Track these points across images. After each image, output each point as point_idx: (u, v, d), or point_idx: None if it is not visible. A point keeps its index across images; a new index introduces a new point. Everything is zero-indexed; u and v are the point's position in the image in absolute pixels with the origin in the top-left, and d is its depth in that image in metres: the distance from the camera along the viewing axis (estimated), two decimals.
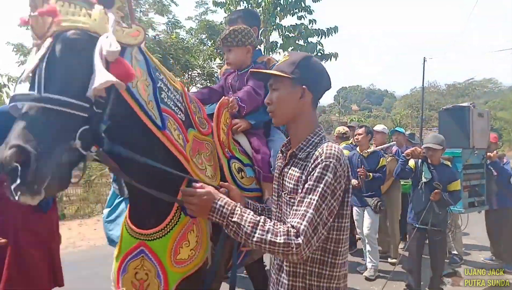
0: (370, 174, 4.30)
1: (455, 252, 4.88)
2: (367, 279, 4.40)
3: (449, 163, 3.65)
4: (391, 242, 4.95)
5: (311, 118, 1.42)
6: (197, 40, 13.20)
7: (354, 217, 4.57)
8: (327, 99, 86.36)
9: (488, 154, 4.29)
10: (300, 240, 1.16)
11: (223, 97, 2.06)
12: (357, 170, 4.34)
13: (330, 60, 13.34)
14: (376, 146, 4.77)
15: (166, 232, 1.57)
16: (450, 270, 4.34)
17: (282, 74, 1.36)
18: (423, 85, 24.98)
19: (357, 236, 4.89)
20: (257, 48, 2.49)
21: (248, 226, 1.21)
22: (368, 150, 4.52)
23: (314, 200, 1.21)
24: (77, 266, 4.77)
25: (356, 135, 4.65)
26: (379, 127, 5.08)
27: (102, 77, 1.18)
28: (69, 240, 6.68)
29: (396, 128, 5.75)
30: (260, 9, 12.78)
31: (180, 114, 1.66)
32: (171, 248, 1.56)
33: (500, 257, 4.78)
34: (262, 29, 13.04)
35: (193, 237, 1.58)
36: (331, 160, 1.24)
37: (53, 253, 2.36)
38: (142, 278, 1.58)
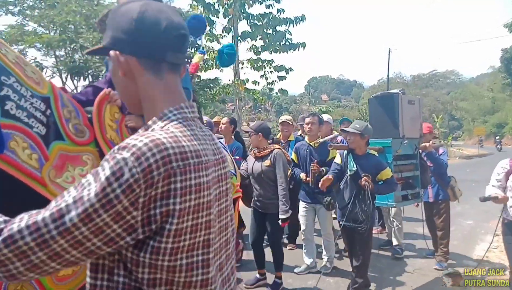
0: (323, 168, 3.89)
1: (396, 243, 4.83)
2: (319, 272, 4.11)
3: (375, 152, 3.28)
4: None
5: (149, 93, 0.87)
6: None
7: (301, 212, 4.25)
8: (298, 88, 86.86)
9: (423, 144, 4.00)
10: None
11: (104, 89, 1.75)
12: (311, 165, 3.96)
13: (298, 49, 13.29)
14: (322, 137, 4.39)
15: None
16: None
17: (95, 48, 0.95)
18: (388, 75, 25.26)
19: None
20: None
21: None
22: (319, 140, 4.15)
23: (60, 205, 0.71)
24: None
25: (306, 123, 4.22)
26: (324, 117, 4.76)
27: None
28: None
29: (346, 118, 5.48)
30: None
31: (37, 127, 1.34)
32: None
33: (437, 251, 4.56)
34: (230, 16, 12.65)
35: None
36: (123, 154, 0.73)
37: None
38: None
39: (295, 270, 4.22)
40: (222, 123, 4.42)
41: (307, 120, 4.20)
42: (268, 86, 13.77)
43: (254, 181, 3.71)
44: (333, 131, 5.26)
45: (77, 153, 1.49)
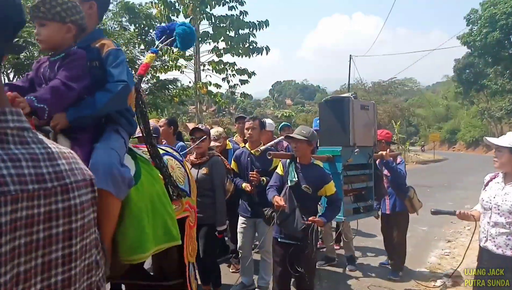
0: (264, 178, 3.49)
1: (348, 255, 4.67)
2: None
3: (320, 163, 3.03)
4: None
5: None
6: (116, 24, 12.05)
7: (239, 229, 3.79)
8: (262, 93, 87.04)
9: (380, 152, 3.83)
10: None
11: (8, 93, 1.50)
12: (250, 174, 3.57)
13: (261, 54, 13.08)
14: (263, 144, 4.04)
15: None
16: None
17: None
18: (349, 81, 25.74)
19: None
20: (96, 28, 2.12)
21: None
22: (260, 148, 3.67)
23: None
24: None
25: (246, 129, 3.74)
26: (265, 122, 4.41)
27: None
28: None
29: (285, 123, 5.22)
30: None
31: None
32: None
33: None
34: (191, 17, 12.23)
35: None
36: None
37: None
38: None
39: None
40: (160, 126, 4.03)
41: (247, 124, 3.71)
42: (230, 89, 13.48)
43: None
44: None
45: None
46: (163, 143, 4.00)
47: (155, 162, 2.14)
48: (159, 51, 2.54)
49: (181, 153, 3.64)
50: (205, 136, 3.42)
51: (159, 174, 2.11)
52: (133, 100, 2.10)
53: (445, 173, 17.37)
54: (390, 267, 4.46)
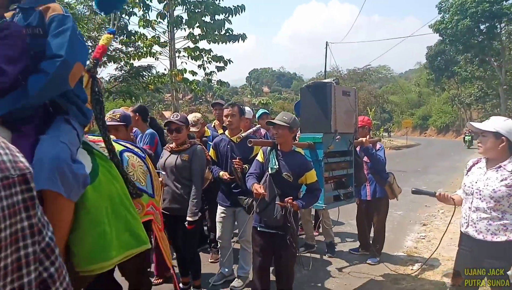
0: (246, 166, 3.39)
1: (328, 241, 4.72)
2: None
3: (301, 150, 2.97)
4: None
5: None
6: (86, 8, 11.49)
7: (217, 218, 3.71)
8: (239, 81, 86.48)
9: (360, 139, 3.82)
10: None
11: None
12: (233, 161, 3.44)
13: (238, 41, 12.87)
14: (243, 131, 3.94)
15: None
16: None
17: None
18: (325, 68, 25.82)
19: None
20: None
21: None
22: (242, 135, 3.58)
23: None
24: None
25: (225, 116, 3.59)
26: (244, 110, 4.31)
27: None
28: None
29: (264, 111, 5.12)
30: None
31: None
32: None
33: (367, 249, 4.50)
34: (166, 2, 11.81)
35: None
36: None
37: None
38: None
39: (209, 280, 3.63)
40: None
41: (226, 111, 3.57)
42: (206, 76, 13.23)
43: (166, 178, 3.25)
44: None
45: None
46: (134, 131, 3.84)
47: (110, 158, 1.93)
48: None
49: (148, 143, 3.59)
50: (179, 126, 3.26)
51: (119, 172, 1.89)
52: (89, 85, 1.85)
53: (418, 158, 17.87)
54: (361, 254, 4.57)
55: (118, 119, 3.00)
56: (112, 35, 2.09)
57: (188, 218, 3.13)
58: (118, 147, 2.11)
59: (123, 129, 2.96)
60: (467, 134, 25.12)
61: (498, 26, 29.18)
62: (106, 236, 1.61)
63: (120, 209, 1.73)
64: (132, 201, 1.87)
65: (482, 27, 29.33)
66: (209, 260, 4.32)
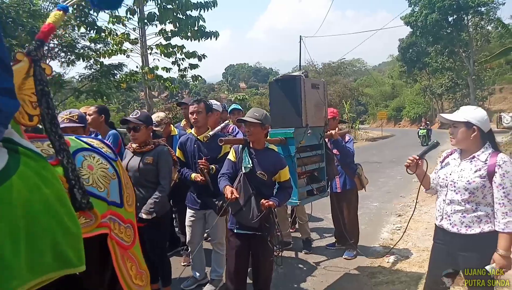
0: (213, 166, 3.24)
1: (304, 237, 4.68)
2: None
3: (274, 147, 2.88)
4: None
5: None
6: (50, 5, 11.00)
7: (187, 222, 3.51)
8: (216, 77, 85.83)
9: (329, 132, 3.77)
10: None
11: None
12: (199, 162, 3.27)
13: (211, 38, 12.62)
14: (211, 128, 3.77)
15: None
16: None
17: None
18: (300, 62, 25.84)
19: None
20: None
21: None
22: (209, 133, 3.38)
23: None
24: None
25: (191, 113, 3.38)
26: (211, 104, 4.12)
27: None
28: None
29: (235, 106, 4.99)
30: None
31: None
32: None
33: (343, 243, 4.47)
34: None
35: None
36: None
37: None
38: None
39: (182, 286, 3.56)
40: (89, 114, 3.62)
41: (191, 108, 3.33)
42: (180, 73, 12.95)
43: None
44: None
45: None
46: (93, 133, 3.64)
47: (59, 158, 1.61)
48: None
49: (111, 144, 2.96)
50: (136, 125, 3.03)
51: (60, 175, 1.54)
52: (30, 72, 1.59)
53: (393, 149, 18.19)
54: (337, 248, 4.56)
55: (77, 120, 2.81)
56: (62, 12, 1.77)
57: (141, 214, 2.86)
58: (76, 146, 1.83)
59: (81, 131, 2.78)
60: (421, 127, 20.38)
61: (465, 18, 30.04)
62: (4, 261, 1.17)
63: (43, 221, 1.33)
64: (76, 211, 1.54)
65: (450, 19, 30.13)
66: (182, 264, 4.17)
